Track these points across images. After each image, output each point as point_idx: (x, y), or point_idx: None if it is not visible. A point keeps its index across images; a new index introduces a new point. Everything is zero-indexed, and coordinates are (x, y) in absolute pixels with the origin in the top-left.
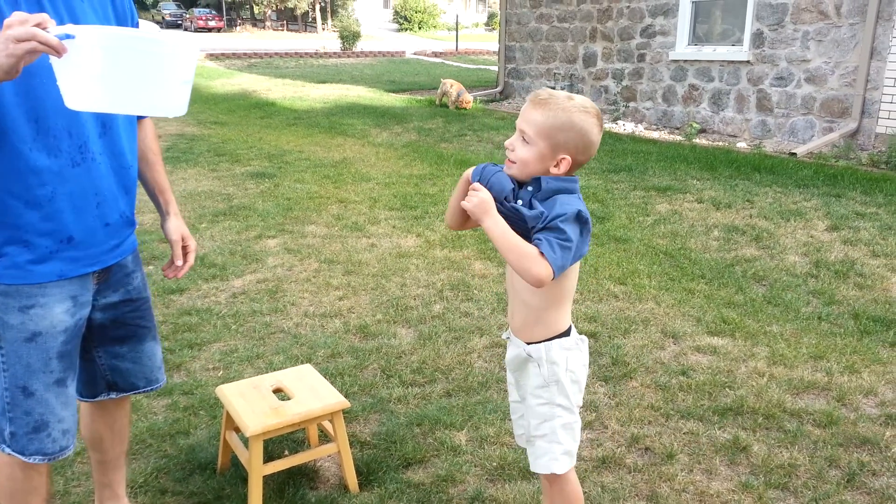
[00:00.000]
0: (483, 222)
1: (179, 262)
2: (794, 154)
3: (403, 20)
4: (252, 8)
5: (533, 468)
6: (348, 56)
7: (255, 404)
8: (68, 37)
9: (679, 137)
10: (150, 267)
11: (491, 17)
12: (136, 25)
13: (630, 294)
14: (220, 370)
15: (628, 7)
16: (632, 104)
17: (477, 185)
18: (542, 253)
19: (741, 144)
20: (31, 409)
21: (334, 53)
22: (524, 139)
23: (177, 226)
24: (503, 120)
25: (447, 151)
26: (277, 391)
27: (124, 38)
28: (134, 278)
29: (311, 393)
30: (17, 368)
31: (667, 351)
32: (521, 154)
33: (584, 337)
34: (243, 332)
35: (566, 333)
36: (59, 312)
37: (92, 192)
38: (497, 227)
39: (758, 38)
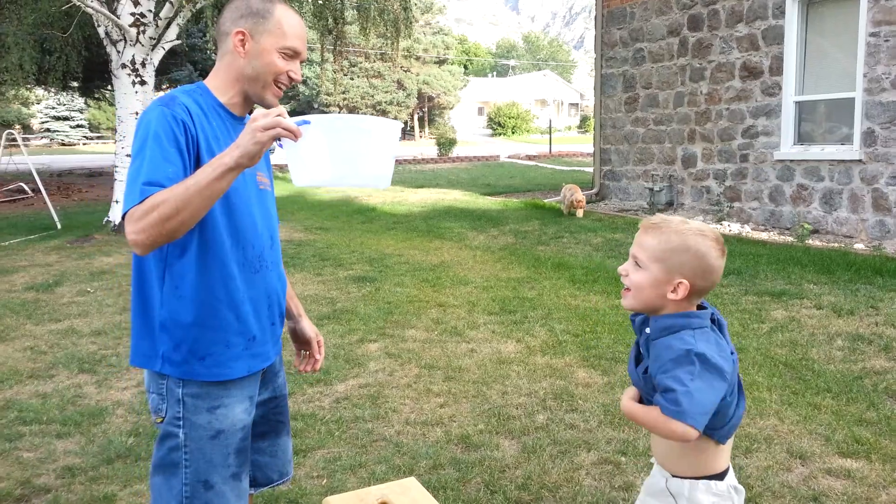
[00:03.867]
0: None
1: (318, 357)
2: None
3: (497, 126)
4: None
5: None
6: (444, 161)
7: None
8: (305, 122)
9: (790, 238)
10: None
11: (583, 119)
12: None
13: (749, 409)
14: (325, 479)
15: (727, 109)
16: (736, 204)
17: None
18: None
19: (859, 246)
20: (209, 500)
21: (431, 159)
22: (637, 264)
23: (310, 325)
24: (600, 221)
25: (544, 254)
26: None
27: (345, 120)
28: (279, 376)
29: None
30: (199, 464)
31: (794, 473)
32: (635, 279)
33: (741, 487)
34: (346, 438)
35: (719, 476)
36: (239, 412)
37: (265, 295)
38: (637, 415)
39: (869, 137)
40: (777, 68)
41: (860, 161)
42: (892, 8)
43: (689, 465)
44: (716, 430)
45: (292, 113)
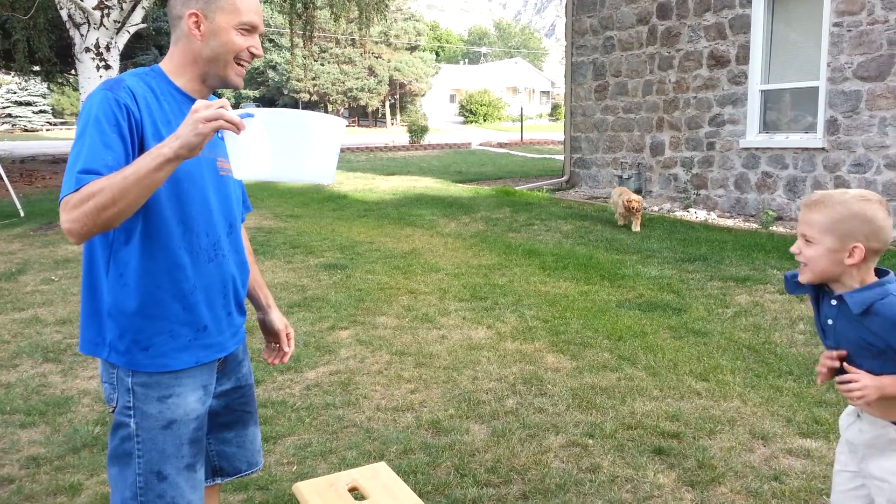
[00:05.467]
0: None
1: (287, 349)
2: None
3: (469, 113)
4: (326, 106)
5: None
6: (416, 149)
7: None
8: (248, 115)
9: (755, 225)
10: None
11: (555, 107)
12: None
13: (713, 391)
14: (295, 465)
15: (695, 98)
16: (703, 192)
17: (847, 375)
18: None
19: None
20: (163, 492)
21: (403, 146)
22: (808, 241)
23: (279, 317)
24: (570, 209)
25: (515, 241)
26: (353, 490)
27: (288, 115)
28: (243, 366)
29: (387, 493)
30: (152, 454)
31: (756, 454)
32: (810, 253)
33: None
34: (316, 425)
35: None
36: (192, 401)
37: (221, 284)
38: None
39: (832, 125)
40: (743, 57)
41: (823, 149)
42: None
43: None
44: None
45: (261, 100)
